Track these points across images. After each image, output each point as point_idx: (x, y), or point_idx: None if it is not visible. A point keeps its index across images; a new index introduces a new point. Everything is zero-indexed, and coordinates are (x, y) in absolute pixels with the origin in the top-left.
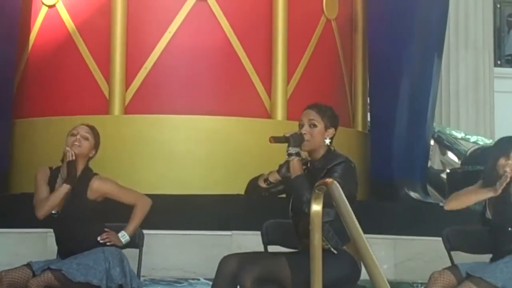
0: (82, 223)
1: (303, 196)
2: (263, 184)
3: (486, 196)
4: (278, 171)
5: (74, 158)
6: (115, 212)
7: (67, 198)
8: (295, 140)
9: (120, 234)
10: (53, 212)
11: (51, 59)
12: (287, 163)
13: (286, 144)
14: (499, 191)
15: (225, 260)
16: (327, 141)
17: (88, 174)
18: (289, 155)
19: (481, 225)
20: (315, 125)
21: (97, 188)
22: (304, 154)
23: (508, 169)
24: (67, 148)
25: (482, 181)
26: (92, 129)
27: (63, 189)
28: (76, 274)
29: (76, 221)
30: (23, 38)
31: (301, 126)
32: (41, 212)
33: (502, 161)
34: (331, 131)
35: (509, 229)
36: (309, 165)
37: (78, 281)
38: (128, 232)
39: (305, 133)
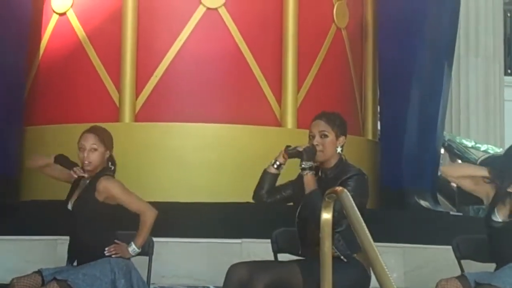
0: (92, 225)
1: (319, 210)
2: (272, 170)
3: (481, 173)
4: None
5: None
6: (130, 219)
7: (80, 194)
8: (308, 154)
9: (129, 248)
10: (69, 207)
11: (61, 67)
12: (298, 178)
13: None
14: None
15: (234, 268)
16: (339, 149)
17: (100, 174)
18: (303, 169)
19: (486, 227)
20: (326, 136)
21: (103, 188)
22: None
23: None
24: (77, 171)
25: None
26: (98, 133)
27: (49, 158)
28: (82, 285)
29: (85, 221)
30: (34, 46)
31: (311, 137)
32: (29, 159)
33: None
34: (342, 139)
35: None
36: (320, 174)
37: None
38: (137, 245)
39: (317, 144)
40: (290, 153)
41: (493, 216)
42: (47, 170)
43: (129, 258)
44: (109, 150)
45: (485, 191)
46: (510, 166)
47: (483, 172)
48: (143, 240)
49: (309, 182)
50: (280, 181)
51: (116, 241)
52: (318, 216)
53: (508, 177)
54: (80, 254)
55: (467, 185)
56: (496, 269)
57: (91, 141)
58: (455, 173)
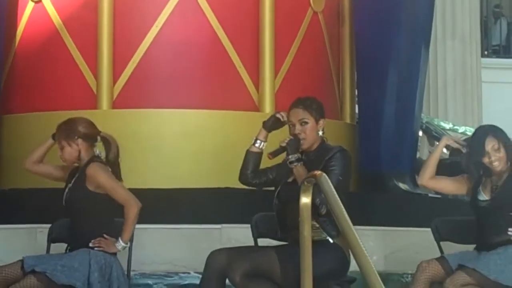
0: (85, 214)
1: (315, 200)
2: (255, 149)
3: (440, 149)
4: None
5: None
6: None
7: (69, 186)
8: (292, 146)
9: (117, 243)
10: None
11: (38, 55)
12: (284, 161)
13: (273, 131)
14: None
15: (213, 255)
16: (320, 132)
17: (89, 161)
18: (291, 163)
19: (472, 210)
20: (306, 123)
21: (90, 175)
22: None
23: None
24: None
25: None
26: (62, 130)
27: (47, 142)
28: (60, 276)
29: (79, 212)
30: (10, 34)
31: (292, 126)
32: (26, 161)
33: (485, 159)
34: (321, 122)
35: (510, 213)
36: (303, 156)
37: (61, 284)
38: (124, 240)
39: (299, 133)
40: (274, 152)
41: (479, 196)
42: (42, 169)
43: (115, 254)
44: (85, 139)
45: (466, 186)
46: (476, 141)
47: (441, 145)
48: (129, 234)
49: (300, 173)
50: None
51: (104, 235)
52: (318, 204)
53: (476, 152)
54: (76, 242)
55: (448, 190)
56: (478, 250)
57: (58, 140)
58: (428, 172)
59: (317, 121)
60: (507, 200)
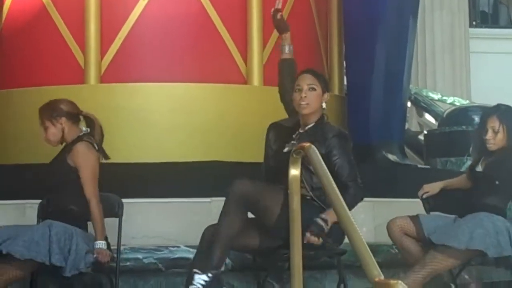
0: (65, 188)
1: (284, 79)
2: (286, 56)
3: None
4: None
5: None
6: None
7: (56, 157)
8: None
9: (96, 247)
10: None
11: (25, 30)
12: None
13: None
14: None
15: (209, 228)
16: (324, 105)
17: (77, 139)
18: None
19: (469, 178)
20: (314, 89)
21: (74, 153)
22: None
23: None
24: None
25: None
26: (44, 110)
27: None
28: (21, 250)
29: (59, 184)
30: None
31: (298, 90)
32: None
33: (484, 137)
34: (326, 95)
35: (497, 182)
36: (300, 130)
37: (25, 259)
38: (99, 239)
39: (305, 96)
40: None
41: (476, 168)
42: None
43: (111, 257)
44: (68, 117)
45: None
46: (483, 116)
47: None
48: (101, 232)
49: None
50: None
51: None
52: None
53: (479, 126)
54: (56, 217)
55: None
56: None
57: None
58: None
59: (323, 92)
60: (496, 172)
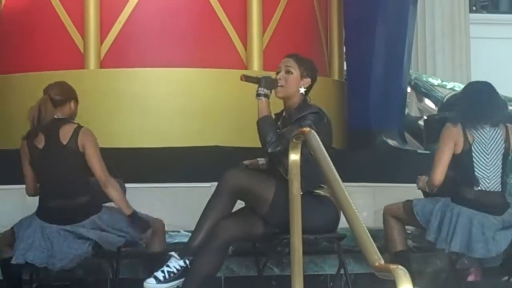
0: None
1: (267, 136)
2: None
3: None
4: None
5: None
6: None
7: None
8: (267, 82)
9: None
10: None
11: (25, 15)
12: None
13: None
14: None
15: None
16: (302, 90)
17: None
18: (258, 95)
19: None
20: (290, 72)
21: (83, 140)
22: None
23: None
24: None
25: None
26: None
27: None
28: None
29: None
30: None
31: (278, 72)
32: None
33: None
34: (307, 80)
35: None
36: (284, 114)
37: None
38: (127, 213)
39: (280, 79)
40: (248, 77)
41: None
42: None
43: (148, 226)
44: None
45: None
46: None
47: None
48: (126, 206)
49: (263, 108)
50: None
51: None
52: (269, 142)
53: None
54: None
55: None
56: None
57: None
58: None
59: (302, 76)
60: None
